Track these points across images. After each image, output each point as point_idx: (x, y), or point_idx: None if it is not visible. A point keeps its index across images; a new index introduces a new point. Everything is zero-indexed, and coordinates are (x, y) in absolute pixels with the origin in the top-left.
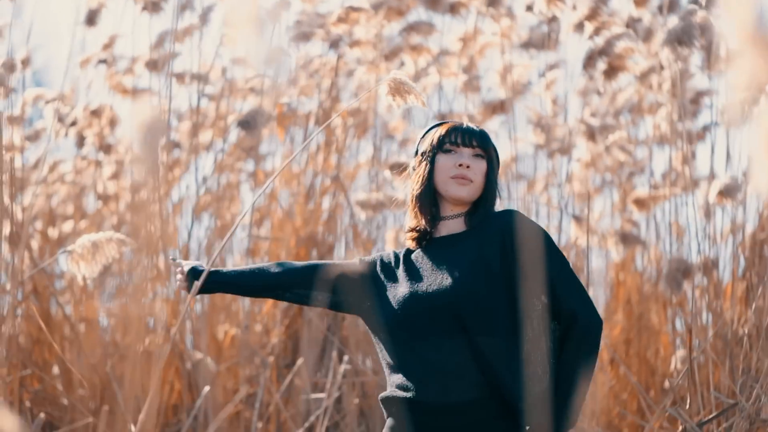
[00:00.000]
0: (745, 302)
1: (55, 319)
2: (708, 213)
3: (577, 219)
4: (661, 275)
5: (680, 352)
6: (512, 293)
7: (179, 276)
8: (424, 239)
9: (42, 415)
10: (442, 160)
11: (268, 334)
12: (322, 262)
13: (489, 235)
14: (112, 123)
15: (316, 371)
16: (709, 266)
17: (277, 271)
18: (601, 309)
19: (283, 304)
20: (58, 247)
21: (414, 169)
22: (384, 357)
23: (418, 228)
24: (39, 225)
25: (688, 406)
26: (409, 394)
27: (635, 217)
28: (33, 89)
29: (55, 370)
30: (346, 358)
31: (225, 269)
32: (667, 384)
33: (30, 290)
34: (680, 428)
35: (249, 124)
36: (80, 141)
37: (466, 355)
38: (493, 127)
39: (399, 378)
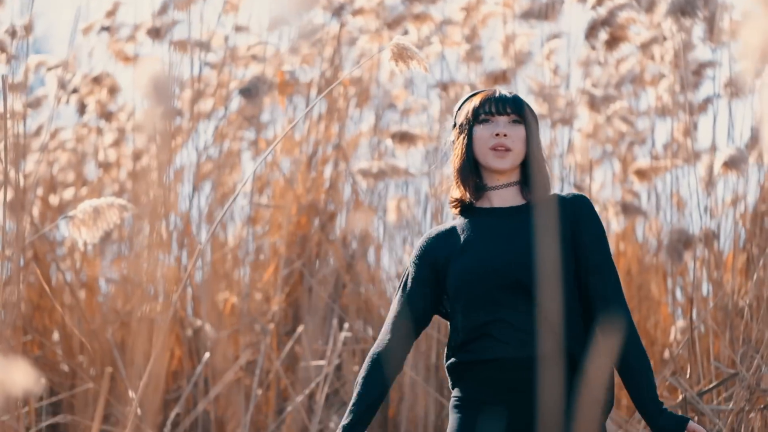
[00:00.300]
0: (746, 274)
1: (55, 286)
2: (709, 185)
3: (578, 189)
4: (662, 246)
5: (680, 323)
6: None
7: None
8: (470, 209)
9: (42, 380)
10: (479, 131)
11: (269, 301)
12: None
13: (559, 214)
14: (113, 90)
15: (317, 339)
16: (710, 237)
17: (379, 381)
18: None
19: (282, 272)
20: (59, 214)
21: (453, 143)
22: (454, 323)
23: (461, 199)
24: (40, 192)
25: (688, 376)
26: (487, 353)
27: (636, 187)
28: (35, 56)
29: (56, 336)
30: (346, 325)
31: (350, 419)
32: (667, 354)
33: (31, 257)
34: (680, 398)
35: (250, 92)
36: (81, 108)
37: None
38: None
39: (474, 341)
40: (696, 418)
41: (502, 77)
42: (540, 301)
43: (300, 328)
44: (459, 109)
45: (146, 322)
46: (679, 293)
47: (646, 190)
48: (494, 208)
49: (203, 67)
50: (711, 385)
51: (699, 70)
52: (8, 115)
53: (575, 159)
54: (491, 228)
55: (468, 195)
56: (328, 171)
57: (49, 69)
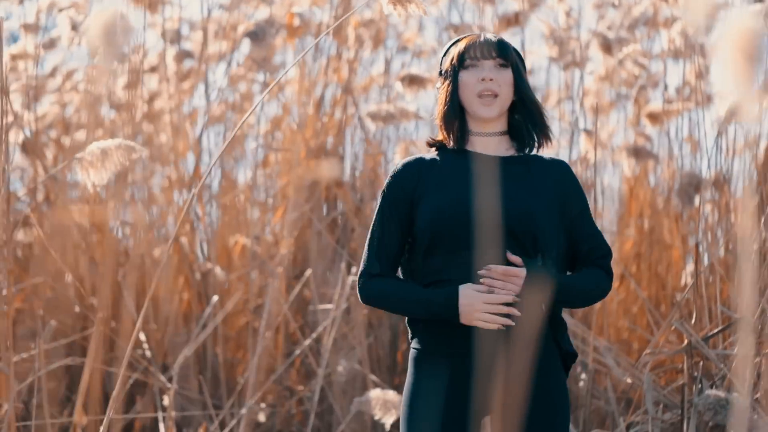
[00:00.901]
0: (758, 217)
1: (67, 228)
2: (721, 128)
3: (588, 133)
4: (673, 190)
5: (690, 267)
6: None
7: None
8: (449, 149)
9: (53, 322)
10: (464, 76)
11: (278, 245)
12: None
13: (548, 176)
14: (126, 32)
15: (325, 282)
16: (721, 181)
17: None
18: (612, 223)
19: (291, 215)
20: (72, 156)
21: (438, 89)
22: (421, 269)
23: (442, 142)
24: (53, 134)
25: (693, 321)
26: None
27: (648, 131)
28: None
29: (68, 278)
30: (354, 269)
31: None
32: (678, 298)
33: (43, 198)
34: (685, 342)
35: (257, 35)
36: (93, 50)
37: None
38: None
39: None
40: (701, 363)
41: (514, 20)
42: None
43: (308, 272)
44: (444, 55)
45: (155, 264)
46: (691, 238)
47: (658, 134)
48: (479, 154)
49: (213, 8)
50: (716, 330)
51: (712, 12)
52: (21, 57)
53: (588, 102)
54: (470, 171)
55: (451, 141)
56: (337, 114)
57: (61, 10)
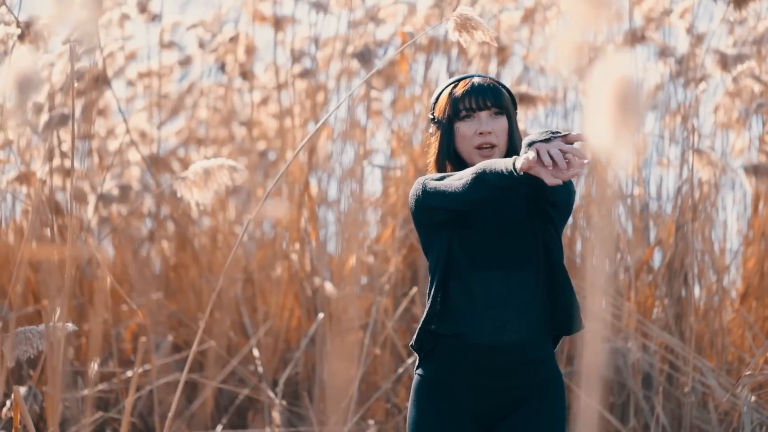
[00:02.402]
0: None
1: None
2: None
3: (697, 152)
4: None
5: None
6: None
7: None
8: None
9: (169, 337)
10: (462, 128)
11: (387, 262)
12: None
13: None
14: (249, 50)
15: None
16: None
17: None
18: (736, 241)
19: (400, 233)
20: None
21: (432, 134)
22: (430, 286)
23: None
24: (183, 151)
25: None
26: (461, 331)
27: None
28: (173, 16)
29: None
30: None
31: None
32: None
33: (168, 214)
34: None
35: (363, 56)
36: (222, 67)
37: (531, 289)
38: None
39: (450, 313)
40: None
41: (640, 37)
42: (537, 270)
43: (414, 290)
44: (436, 100)
45: (269, 280)
46: None
47: None
48: None
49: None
50: None
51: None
52: (154, 74)
53: (704, 121)
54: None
55: None
56: None
57: (189, 28)
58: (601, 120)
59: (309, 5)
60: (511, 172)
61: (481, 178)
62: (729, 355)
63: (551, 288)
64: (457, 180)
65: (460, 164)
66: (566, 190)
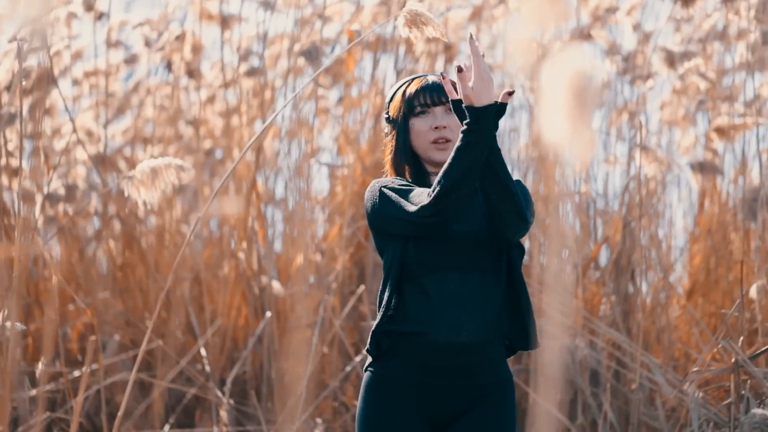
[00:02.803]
0: None
1: (136, 243)
2: None
3: (644, 149)
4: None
5: (758, 282)
6: None
7: None
8: None
9: (117, 336)
10: (417, 124)
11: (335, 260)
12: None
13: None
14: (196, 49)
15: None
16: None
17: None
18: (682, 238)
19: (347, 232)
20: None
21: (387, 134)
22: (385, 284)
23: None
24: (129, 150)
25: (742, 339)
26: (417, 329)
27: (717, 146)
28: (120, 14)
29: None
30: None
31: None
32: (747, 315)
33: (114, 213)
34: (733, 360)
35: (311, 54)
36: (168, 66)
37: (489, 293)
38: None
39: (406, 313)
40: (748, 382)
41: (586, 35)
42: (500, 272)
43: (362, 288)
44: (390, 100)
45: (216, 279)
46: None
47: (728, 149)
48: None
49: (289, 25)
50: (763, 349)
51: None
52: (99, 73)
53: (650, 118)
54: None
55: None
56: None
57: (135, 27)
58: (556, 115)
59: (257, 3)
60: (467, 126)
61: (449, 168)
62: (675, 352)
63: (511, 299)
64: (420, 194)
65: (417, 163)
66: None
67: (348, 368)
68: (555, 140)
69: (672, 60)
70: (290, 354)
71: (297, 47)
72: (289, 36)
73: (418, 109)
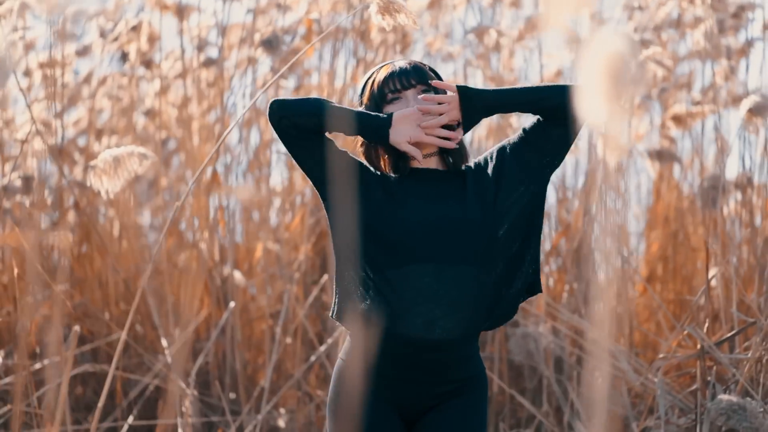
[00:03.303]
0: None
1: (95, 234)
2: (746, 130)
3: (603, 135)
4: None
5: (713, 270)
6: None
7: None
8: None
9: (77, 327)
10: (390, 111)
11: (296, 250)
12: None
13: (478, 171)
14: (152, 39)
15: None
16: (744, 183)
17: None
18: (639, 225)
19: (310, 221)
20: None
21: None
22: (357, 272)
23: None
24: (83, 141)
25: (707, 325)
26: (389, 323)
27: (674, 134)
28: (74, 5)
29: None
30: None
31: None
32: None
33: (71, 205)
34: (698, 346)
35: (272, 43)
36: (123, 57)
37: (467, 286)
38: (529, 44)
39: (378, 301)
40: (714, 368)
41: (538, 24)
42: (475, 268)
43: (325, 277)
44: (362, 93)
45: (178, 270)
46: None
47: (685, 136)
48: (422, 169)
49: (243, 15)
50: (728, 335)
51: (738, 12)
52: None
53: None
54: (426, 188)
55: (385, 170)
56: None
57: (90, 18)
58: (594, 95)
59: None
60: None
61: (344, 119)
62: (636, 338)
63: (494, 285)
64: (314, 103)
65: (392, 149)
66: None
67: (312, 358)
68: (594, 119)
69: None
70: (253, 344)
71: (256, 37)
72: (245, 26)
73: (390, 96)
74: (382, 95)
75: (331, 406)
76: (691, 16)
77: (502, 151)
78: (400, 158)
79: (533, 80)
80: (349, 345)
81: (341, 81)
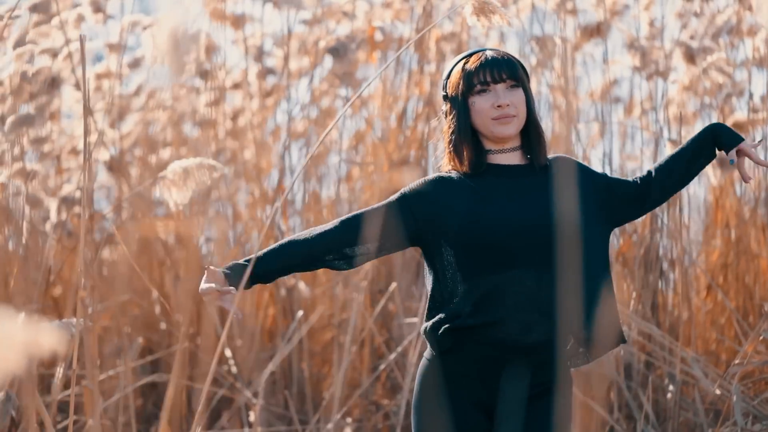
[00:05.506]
0: None
1: (153, 245)
2: None
3: (673, 143)
4: (760, 199)
5: None
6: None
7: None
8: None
9: (139, 339)
10: (478, 102)
11: None
12: (351, 215)
13: (560, 175)
14: (210, 50)
15: (410, 296)
16: None
17: (313, 238)
18: (698, 233)
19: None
20: (155, 173)
21: (446, 114)
22: (447, 281)
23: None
24: (138, 152)
25: None
26: (487, 329)
27: None
28: (131, 15)
29: (154, 295)
30: None
31: (263, 256)
32: (767, 308)
33: (128, 216)
34: None
35: (338, 51)
36: (179, 68)
37: (557, 290)
38: (588, 50)
39: (471, 308)
40: None
41: (596, 30)
42: (570, 271)
43: (393, 286)
44: (448, 76)
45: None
46: None
47: None
48: (506, 166)
49: (297, 24)
50: None
51: None
52: (106, 76)
53: (672, 112)
54: (512, 185)
55: (465, 166)
56: (420, 127)
57: (145, 28)
58: None
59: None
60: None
61: None
62: (705, 344)
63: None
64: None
65: (476, 141)
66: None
67: (381, 367)
68: None
69: (691, 55)
70: (318, 354)
71: (321, 44)
72: (301, 35)
73: (478, 87)
74: (470, 85)
75: (417, 408)
76: (748, 24)
77: (604, 177)
78: (479, 151)
79: (594, 86)
80: (445, 346)
81: (399, 90)
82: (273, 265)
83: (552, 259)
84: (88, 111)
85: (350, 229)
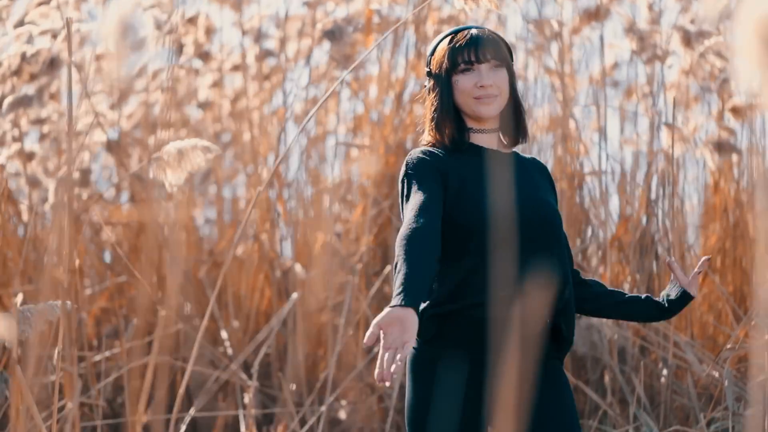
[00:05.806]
0: None
1: (151, 226)
2: None
3: (669, 126)
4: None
5: None
6: None
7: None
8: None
9: (135, 320)
10: (461, 81)
11: (357, 241)
12: (419, 214)
13: (540, 173)
14: (209, 31)
15: None
16: None
17: (429, 246)
18: (696, 217)
19: (372, 212)
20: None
21: (429, 91)
22: (452, 265)
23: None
24: (138, 134)
25: None
26: (485, 309)
27: (732, 125)
28: None
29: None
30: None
31: (415, 284)
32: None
33: (128, 198)
34: (767, 337)
35: (335, 33)
36: (178, 49)
37: (553, 274)
38: (586, 33)
39: (474, 291)
40: None
41: (595, 14)
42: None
43: (388, 268)
44: (432, 54)
45: (237, 262)
46: None
47: (743, 128)
48: (486, 149)
49: (296, 6)
50: None
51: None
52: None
53: (669, 97)
54: (492, 170)
55: (446, 140)
56: (417, 110)
57: (145, 9)
58: (748, 60)
59: None
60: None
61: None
62: (712, 330)
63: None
64: (408, 212)
65: (459, 119)
66: None
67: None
68: (749, 84)
69: (689, 39)
70: (313, 336)
71: (318, 26)
72: (301, 17)
73: (462, 66)
74: (454, 63)
75: (412, 400)
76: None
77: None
78: (460, 128)
79: (592, 71)
80: (430, 333)
81: (400, 72)
82: (427, 288)
83: (533, 244)
84: (71, 94)
85: (434, 225)
